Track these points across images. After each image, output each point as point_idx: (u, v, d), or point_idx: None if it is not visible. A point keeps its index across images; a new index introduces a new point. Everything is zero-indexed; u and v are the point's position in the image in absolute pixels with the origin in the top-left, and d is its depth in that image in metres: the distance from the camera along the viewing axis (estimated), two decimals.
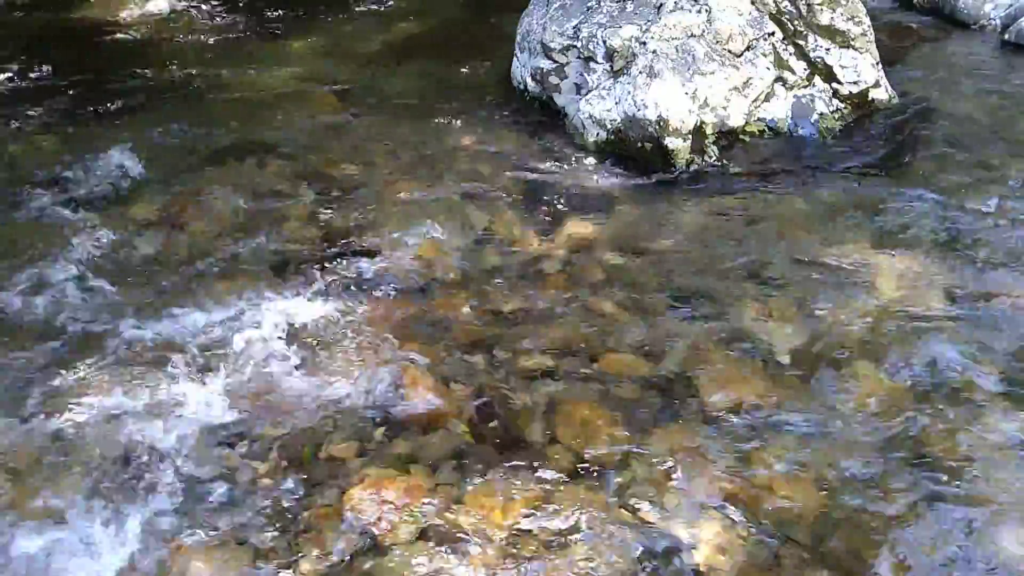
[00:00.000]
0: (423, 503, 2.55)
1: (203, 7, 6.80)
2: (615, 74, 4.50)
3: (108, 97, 5.15)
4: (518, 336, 3.22)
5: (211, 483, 2.64)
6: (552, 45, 4.78)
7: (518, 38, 5.09)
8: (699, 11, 4.52)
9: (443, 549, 2.42)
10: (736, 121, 4.41)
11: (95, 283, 3.52)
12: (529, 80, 4.95)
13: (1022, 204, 3.90)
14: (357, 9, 6.71)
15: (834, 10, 4.77)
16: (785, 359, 3.07)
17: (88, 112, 4.98)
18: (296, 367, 3.08)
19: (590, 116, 4.50)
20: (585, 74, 4.64)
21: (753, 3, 4.63)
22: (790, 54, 4.62)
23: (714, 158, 4.33)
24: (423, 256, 3.68)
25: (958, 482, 2.60)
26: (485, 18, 6.36)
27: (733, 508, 2.53)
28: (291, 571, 2.39)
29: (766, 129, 4.48)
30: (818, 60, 4.66)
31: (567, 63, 4.76)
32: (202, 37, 6.25)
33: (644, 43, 4.45)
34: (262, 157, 4.47)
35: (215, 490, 2.62)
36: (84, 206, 4.05)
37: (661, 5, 4.59)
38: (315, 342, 3.20)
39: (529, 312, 3.35)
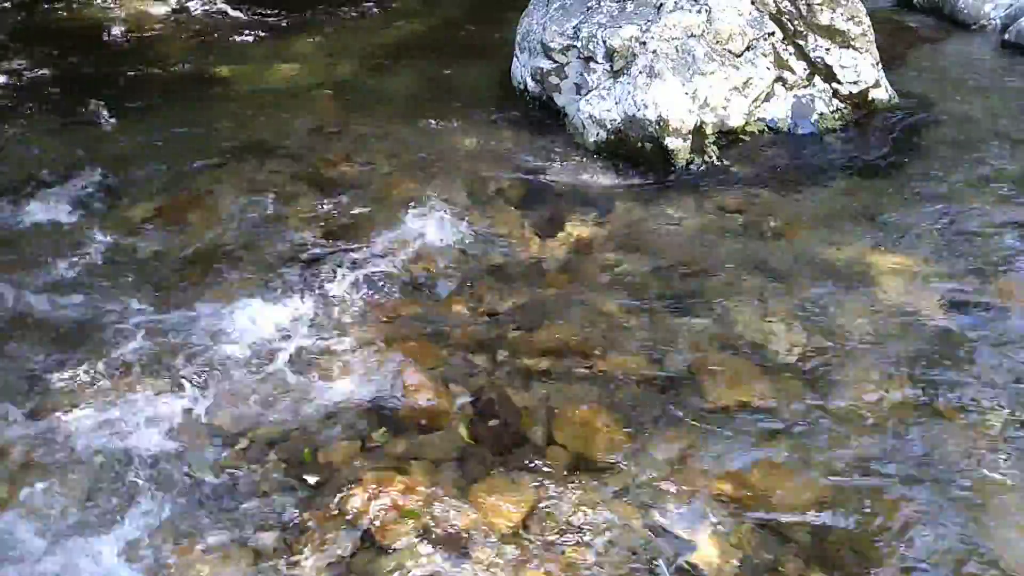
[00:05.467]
0: (423, 503, 2.55)
1: (203, 7, 6.80)
2: (615, 74, 4.50)
3: (108, 97, 5.15)
4: (518, 336, 3.22)
5: (211, 483, 2.64)
6: (552, 45, 4.78)
7: (518, 38, 5.09)
8: (699, 11, 4.52)
9: (443, 549, 2.42)
10: (736, 121, 4.41)
11: (95, 283, 3.52)
12: (529, 80, 4.95)
13: (1022, 204, 3.90)
14: (357, 9, 6.70)
15: (834, 10, 4.77)
16: (785, 359, 3.07)
17: (88, 112, 4.97)
18: (296, 367, 3.08)
19: (590, 116, 4.50)
20: (585, 74, 4.64)
21: (753, 3, 4.63)
22: (790, 54, 4.62)
23: (714, 158, 4.33)
24: (423, 256, 3.68)
25: (959, 482, 2.59)
26: (485, 18, 6.35)
27: (733, 508, 2.53)
28: (291, 571, 2.38)
29: (766, 129, 4.48)
30: (818, 60, 4.66)
31: (567, 63, 4.75)
32: (202, 37, 6.25)
33: (644, 43, 4.45)
34: (262, 157, 4.47)
35: (215, 490, 2.62)
36: (84, 206, 4.05)
37: (661, 5, 4.59)
38: (315, 342, 3.20)
39: (529, 312, 3.35)
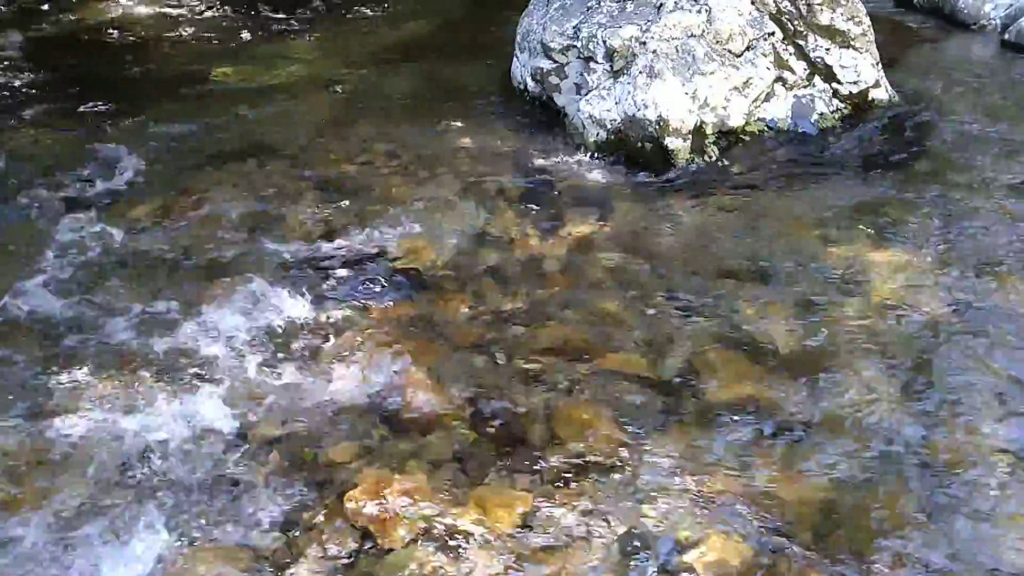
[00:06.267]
0: (423, 503, 2.55)
1: (203, 7, 6.80)
2: (615, 74, 4.50)
3: (108, 97, 5.15)
4: (518, 336, 3.22)
5: (211, 484, 2.64)
6: (552, 45, 4.78)
7: (518, 38, 5.09)
8: (699, 11, 4.52)
9: (443, 549, 2.42)
10: (736, 121, 4.41)
11: (94, 283, 3.52)
12: (529, 80, 4.95)
13: (1022, 204, 3.90)
14: (357, 9, 6.71)
15: (834, 10, 4.77)
16: (785, 358, 3.07)
17: (88, 112, 4.98)
18: (296, 367, 3.08)
19: (590, 116, 4.50)
20: (585, 74, 4.64)
21: (753, 3, 4.63)
22: (790, 54, 4.62)
23: (714, 158, 4.33)
24: (423, 256, 3.68)
25: (957, 482, 2.60)
26: (485, 18, 6.35)
27: (733, 508, 2.53)
28: (291, 571, 2.39)
29: (766, 129, 4.48)
30: (818, 60, 4.66)
31: (567, 63, 4.75)
32: (202, 37, 6.26)
33: (644, 43, 4.45)
34: (262, 157, 4.47)
35: (215, 491, 2.62)
36: (84, 206, 4.05)
37: (661, 5, 4.59)
38: (315, 342, 3.20)
39: (529, 312, 3.35)
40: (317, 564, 2.40)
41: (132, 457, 2.72)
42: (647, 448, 2.73)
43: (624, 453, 2.72)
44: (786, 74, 4.57)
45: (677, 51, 4.41)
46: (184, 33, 6.30)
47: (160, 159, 4.47)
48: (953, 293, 3.36)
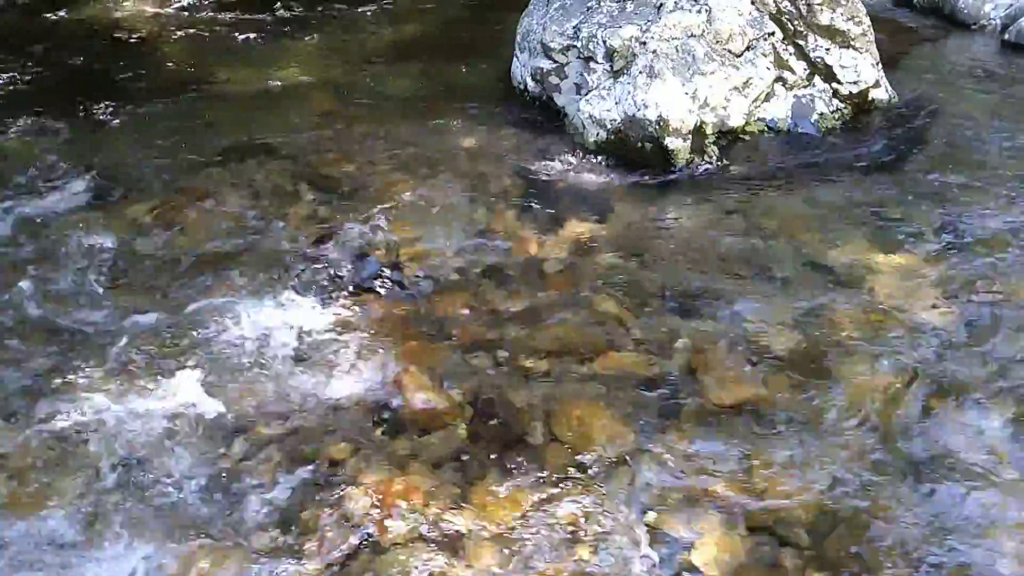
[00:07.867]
0: (423, 503, 2.55)
1: (203, 7, 6.80)
2: (615, 74, 4.50)
3: (108, 97, 5.15)
4: (518, 336, 3.22)
5: (211, 483, 2.64)
6: (552, 45, 4.78)
7: (518, 38, 5.09)
8: (699, 11, 4.52)
9: (443, 549, 2.42)
10: (736, 121, 4.41)
11: (94, 283, 3.52)
12: (529, 80, 4.95)
13: (1022, 204, 3.90)
14: (357, 9, 6.70)
15: (834, 10, 4.77)
16: (785, 359, 3.07)
17: (88, 112, 4.97)
18: (296, 367, 3.08)
19: (590, 116, 4.50)
20: (585, 74, 4.64)
21: (753, 3, 4.63)
22: (790, 54, 4.62)
23: (714, 158, 4.33)
24: (423, 256, 3.68)
25: (957, 482, 2.60)
26: (485, 18, 6.35)
27: (733, 508, 2.53)
28: (291, 571, 2.39)
29: (766, 129, 4.48)
30: (818, 60, 4.66)
31: (567, 63, 4.75)
32: (202, 37, 6.25)
33: (644, 43, 4.45)
34: (262, 157, 4.47)
35: (215, 490, 2.62)
36: (84, 206, 4.05)
37: (661, 5, 4.59)
38: (315, 342, 3.20)
39: (529, 312, 3.35)
40: (317, 564, 2.40)
41: (132, 456, 2.72)
42: (646, 448, 2.73)
43: (623, 453, 2.72)
44: (786, 74, 4.57)
45: (677, 51, 4.41)
46: (184, 33, 6.30)
47: (160, 159, 4.47)
48: (953, 292, 3.36)
